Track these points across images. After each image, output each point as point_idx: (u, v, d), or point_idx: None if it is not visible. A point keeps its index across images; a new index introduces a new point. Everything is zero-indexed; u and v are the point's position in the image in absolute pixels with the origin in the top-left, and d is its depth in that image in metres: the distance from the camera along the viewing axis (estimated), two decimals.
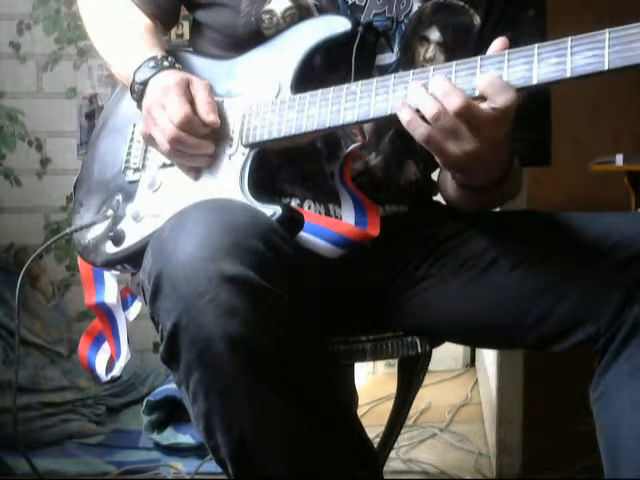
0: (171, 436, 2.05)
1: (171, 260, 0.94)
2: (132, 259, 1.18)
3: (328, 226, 1.12)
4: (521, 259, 1.16)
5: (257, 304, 0.92)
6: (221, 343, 0.91)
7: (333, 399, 1.03)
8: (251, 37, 1.20)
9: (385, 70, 1.17)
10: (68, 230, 1.28)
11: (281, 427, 0.96)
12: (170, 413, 2.08)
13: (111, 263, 1.22)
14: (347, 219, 1.15)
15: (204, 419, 0.96)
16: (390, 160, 1.25)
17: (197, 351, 0.92)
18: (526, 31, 1.18)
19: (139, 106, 1.18)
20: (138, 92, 1.17)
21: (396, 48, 1.20)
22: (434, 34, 1.21)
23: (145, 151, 1.25)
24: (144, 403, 2.10)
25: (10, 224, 2.53)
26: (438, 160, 1.01)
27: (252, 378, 0.93)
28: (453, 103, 0.94)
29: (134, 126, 1.28)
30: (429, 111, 0.95)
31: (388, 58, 1.20)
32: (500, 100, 0.93)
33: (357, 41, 1.12)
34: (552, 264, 1.13)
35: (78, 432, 2.13)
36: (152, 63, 1.18)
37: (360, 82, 1.06)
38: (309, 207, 1.21)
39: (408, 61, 1.19)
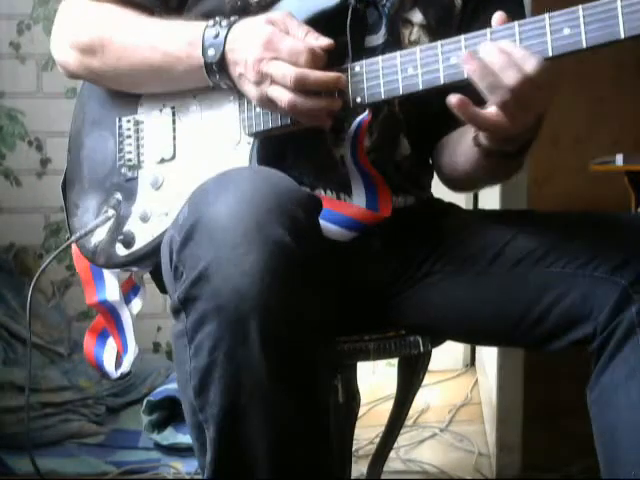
0: (171, 436, 2.05)
1: (210, 209, 0.92)
2: (146, 259, 1.17)
3: (338, 209, 1.11)
4: (522, 257, 1.16)
5: (288, 269, 0.90)
6: (243, 302, 0.88)
7: (325, 396, 1.02)
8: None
9: (373, 52, 1.15)
10: (73, 238, 1.25)
11: (273, 406, 0.93)
12: (170, 413, 2.07)
13: (124, 265, 1.22)
14: (358, 202, 1.14)
15: (200, 374, 0.93)
16: (385, 138, 1.24)
17: (216, 303, 0.89)
18: (505, 11, 1.19)
19: (226, 82, 1.10)
20: (218, 68, 1.08)
21: (383, 30, 1.18)
22: (417, 16, 1.21)
23: (138, 147, 1.22)
24: (144, 403, 2.10)
25: (10, 224, 2.52)
26: (493, 131, 0.99)
27: (262, 349, 0.89)
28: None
29: (119, 120, 1.24)
30: (511, 79, 0.93)
31: (375, 40, 1.18)
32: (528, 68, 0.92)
33: (350, 14, 1.09)
34: (552, 263, 1.13)
35: (78, 432, 2.13)
36: (212, 32, 1.08)
37: (364, 62, 1.05)
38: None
39: (395, 43, 1.18)
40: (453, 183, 1.31)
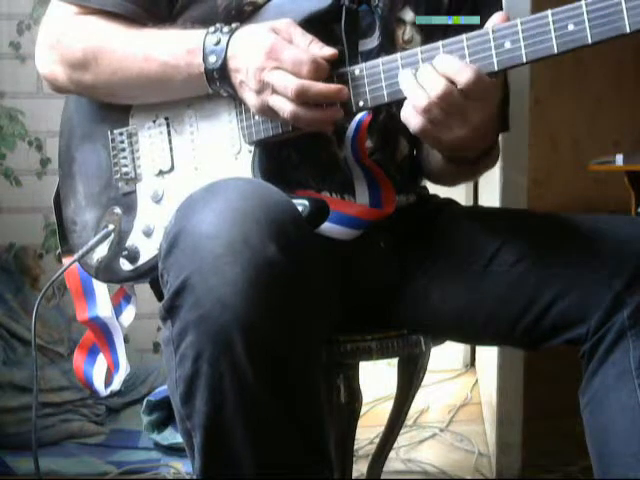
0: (171, 436, 2.05)
1: (196, 218, 0.91)
2: (150, 273, 1.16)
3: (342, 209, 1.11)
4: (521, 256, 1.16)
5: (273, 283, 0.89)
6: (225, 312, 0.87)
7: (317, 400, 0.99)
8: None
9: (368, 55, 1.15)
10: (76, 257, 1.23)
11: (259, 415, 0.92)
12: (170, 413, 2.07)
13: (129, 280, 1.21)
14: (362, 201, 1.14)
15: (185, 383, 0.92)
16: (386, 139, 1.24)
17: (198, 314, 0.89)
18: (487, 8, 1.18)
19: (227, 90, 1.08)
20: (219, 75, 1.06)
21: (377, 32, 1.18)
22: (408, 15, 1.20)
23: (134, 159, 1.20)
24: (144, 403, 2.10)
25: (10, 224, 2.52)
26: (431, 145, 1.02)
27: (247, 359, 0.88)
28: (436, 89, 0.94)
29: (112, 133, 1.22)
30: (419, 103, 0.96)
31: (370, 43, 1.18)
32: (462, 80, 0.93)
33: (344, 15, 1.09)
34: (551, 263, 1.13)
35: (78, 432, 2.13)
36: (213, 39, 1.06)
37: (364, 65, 1.04)
38: None
39: (389, 45, 1.18)
40: (434, 180, 1.38)
